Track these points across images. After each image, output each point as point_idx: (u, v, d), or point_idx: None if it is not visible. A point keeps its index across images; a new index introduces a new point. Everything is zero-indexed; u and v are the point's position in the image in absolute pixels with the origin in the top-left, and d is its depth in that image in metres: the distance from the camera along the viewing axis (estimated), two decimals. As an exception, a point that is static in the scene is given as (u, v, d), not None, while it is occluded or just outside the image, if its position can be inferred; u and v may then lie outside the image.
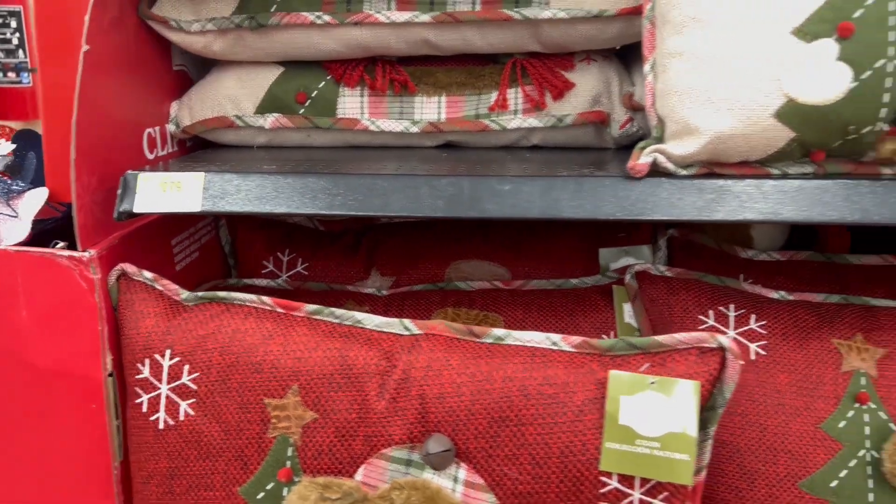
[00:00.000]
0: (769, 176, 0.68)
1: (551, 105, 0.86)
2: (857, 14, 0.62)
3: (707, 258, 0.98)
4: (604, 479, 0.60)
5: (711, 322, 0.80)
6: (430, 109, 0.88)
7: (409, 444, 0.64)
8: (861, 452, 0.72)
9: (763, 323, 0.79)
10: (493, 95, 0.87)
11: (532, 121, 0.87)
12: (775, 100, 0.63)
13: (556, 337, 0.65)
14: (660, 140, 0.70)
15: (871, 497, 0.71)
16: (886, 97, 0.62)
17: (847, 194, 0.66)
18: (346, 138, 0.90)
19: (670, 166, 0.68)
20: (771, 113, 0.64)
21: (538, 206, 0.69)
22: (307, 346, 0.69)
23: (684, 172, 0.68)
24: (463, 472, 0.63)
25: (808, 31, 0.62)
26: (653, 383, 0.60)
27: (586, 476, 0.60)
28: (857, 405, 0.74)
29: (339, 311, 0.71)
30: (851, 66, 0.62)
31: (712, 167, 0.68)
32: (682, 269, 0.86)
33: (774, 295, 0.83)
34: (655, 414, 0.59)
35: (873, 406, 0.74)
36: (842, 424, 0.73)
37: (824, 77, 0.62)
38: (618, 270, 0.93)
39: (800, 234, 1.11)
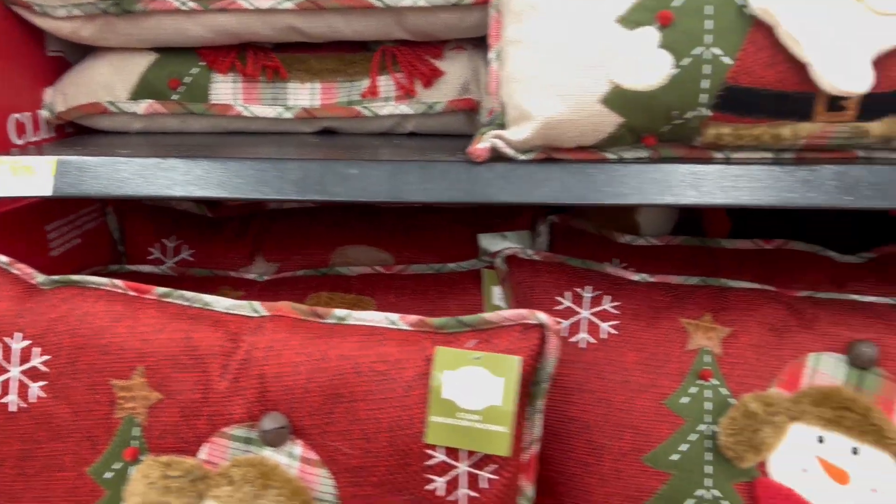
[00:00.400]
0: (605, 161, 0.70)
1: (421, 92, 0.88)
2: (676, 3, 0.64)
3: (586, 243, 1.00)
4: (430, 451, 0.62)
5: (568, 303, 0.83)
6: (303, 95, 0.89)
7: (249, 422, 0.66)
8: (701, 427, 0.75)
9: (617, 304, 0.82)
10: (365, 82, 0.88)
11: (404, 108, 0.88)
12: (602, 86, 0.66)
13: (394, 316, 0.67)
14: (502, 126, 0.72)
15: (708, 469, 0.74)
16: (705, 83, 0.65)
17: (679, 178, 0.69)
18: (222, 124, 0.91)
19: (510, 151, 0.70)
20: (598, 99, 0.66)
21: (385, 190, 0.70)
22: (154, 327, 0.69)
23: (523, 157, 0.70)
24: (299, 448, 0.65)
25: (631, 20, 0.65)
26: (477, 358, 0.62)
27: (413, 449, 0.62)
28: (700, 381, 0.77)
29: (189, 294, 0.72)
30: (672, 53, 0.64)
31: (550, 152, 0.70)
32: (551, 253, 0.89)
33: (635, 277, 0.86)
34: (477, 388, 0.61)
35: (715, 382, 0.77)
36: (684, 400, 0.76)
37: (647, 64, 0.65)
38: (493, 255, 0.95)
39: (688, 220, 1.14)
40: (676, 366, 0.78)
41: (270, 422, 0.64)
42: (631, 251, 1.00)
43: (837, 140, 0.68)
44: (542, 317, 0.63)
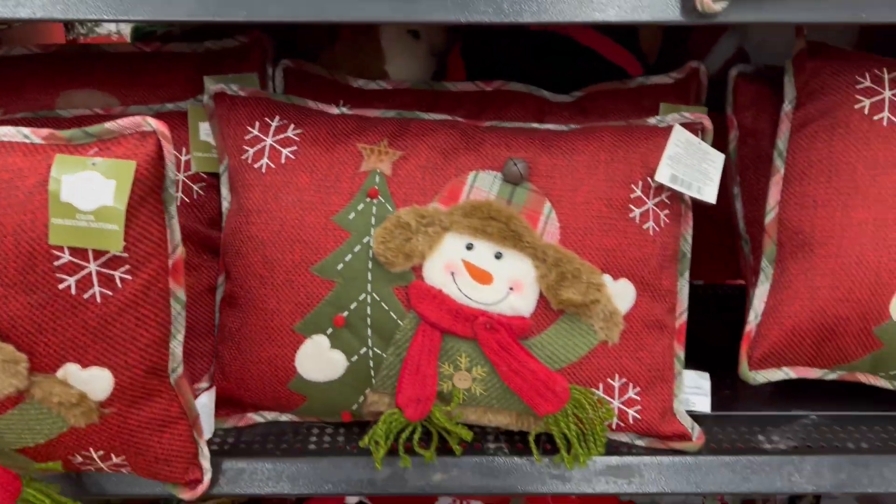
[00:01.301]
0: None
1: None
2: None
3: (318, 87, 1.03)
4: (56, 252, 0.67)
5: (255, 132, 0.87)
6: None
7: None
8: (365, 239, 0.82)
9: (299, 132, 0.86)
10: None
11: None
12: None
13: (26, 130, 0.69)
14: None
15: (369, 276, 0.81)
16: None
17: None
18: None
19: (146, -31, 0.71)
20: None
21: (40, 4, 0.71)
22: None
23: (162, -25, 0.72)
24: (-65, 256, 0.68)
25: None
26: (94, 164, 0.66)
27: (38, 251, 0.66)
28: (368, 199, 0.83)
29: None
30: None
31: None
32: (256, 90, 0.92)
33: (334, 111, 0.91)
34: (92, 191, 0.65)
35: (382, 200, 0.83)
36: (351, 216, 0.82)
37: None
38: (211, 95, 0.98)
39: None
40: (347, 185, 0.83)
41: None
42: (361, 94, 1.04)
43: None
44: (154, 123, 0.66)
